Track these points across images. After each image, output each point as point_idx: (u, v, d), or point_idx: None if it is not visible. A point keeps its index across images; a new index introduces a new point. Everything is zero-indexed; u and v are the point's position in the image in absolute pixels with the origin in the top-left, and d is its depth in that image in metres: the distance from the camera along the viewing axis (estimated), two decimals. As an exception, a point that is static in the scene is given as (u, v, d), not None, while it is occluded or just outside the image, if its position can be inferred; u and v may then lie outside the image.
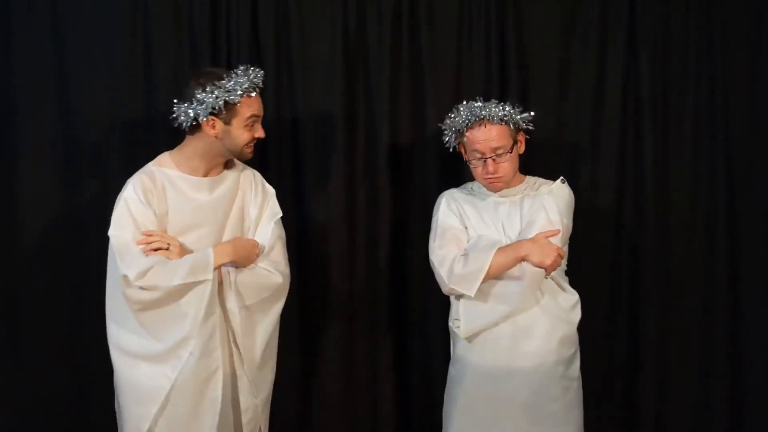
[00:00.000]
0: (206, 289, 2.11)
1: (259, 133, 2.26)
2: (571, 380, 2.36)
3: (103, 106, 2.76)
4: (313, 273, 2.85)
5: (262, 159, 2.79)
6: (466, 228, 2.38)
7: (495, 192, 2.38)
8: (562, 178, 2.41)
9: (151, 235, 2.14)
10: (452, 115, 2.38)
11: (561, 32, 2.87)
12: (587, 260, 2.83)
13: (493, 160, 2.29)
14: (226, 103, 2.15)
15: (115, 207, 2.18)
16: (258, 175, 2.40)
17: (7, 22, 2.74)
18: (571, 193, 2.40)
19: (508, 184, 2.37)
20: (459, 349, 2.41)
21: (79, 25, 2.75)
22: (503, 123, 2.30)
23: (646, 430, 2.93)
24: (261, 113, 2.26)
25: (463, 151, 2.40)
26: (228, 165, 2.35)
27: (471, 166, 2.36)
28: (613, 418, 2.94)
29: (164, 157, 2.28)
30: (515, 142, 2.34)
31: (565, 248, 2.36)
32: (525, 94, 2.84)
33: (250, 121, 2.22)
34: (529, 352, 2.30)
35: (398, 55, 2.84)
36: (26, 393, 2.79)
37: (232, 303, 2.18)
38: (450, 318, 2.40)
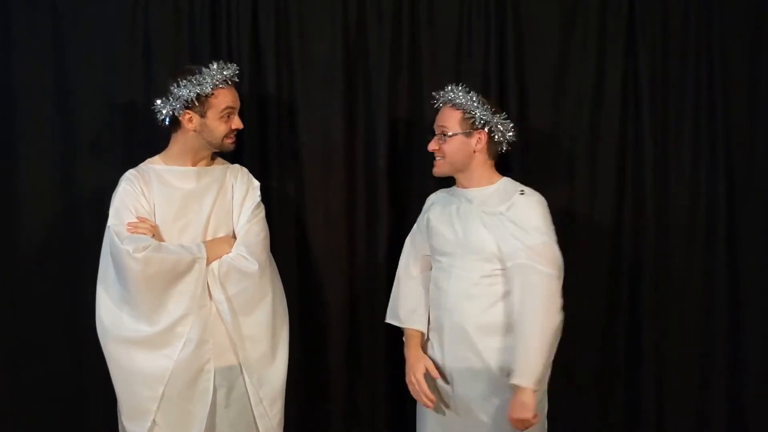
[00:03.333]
0: (202, 267, 2.20)
1: (237, 124, 2.35)
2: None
3: (102, 105, 2.77)
4: (313, 273, 2.86)
5: (261, 158, 2.81)
6: (430, 227, 2.45)
7: (435, 174, 2.43)
8: (521, 190, 2.34)
9: (143, 221, 2.23)
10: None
11: (560, 32, 2.87)
12: (586, 263, 2.83)
13: (438, 138, 2.39)
14: (198, 95, 2.25)
15: (112, 201, 2.28)
16: (245, 169, 2.47)
17: (8, 21, 2.75)
18: (540, 199, 2.31)
19: (444, 174, 2.41)
20: (427, 349, 2.43)
21: (79, 24, 2.76)
22: (456, 108, 2.37)
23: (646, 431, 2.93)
24: (237, 105, 2.35)
25: None
26: (216, 162, 2.43)
27: None
28: (613, 420, 2.93)
29: (153, 158, 2.38)
30: (467, 133, 2.34)
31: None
32: (524, 94, 2.84)
33: (225, 112, 2.30)
34: (482, 353, 2.29)
35: (398, 55, 2.84)
36: (25, 389, 2.81)
37: (217, 292, 2.22)
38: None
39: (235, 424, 2.27)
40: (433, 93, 2.45)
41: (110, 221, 2.24)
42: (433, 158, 2.42)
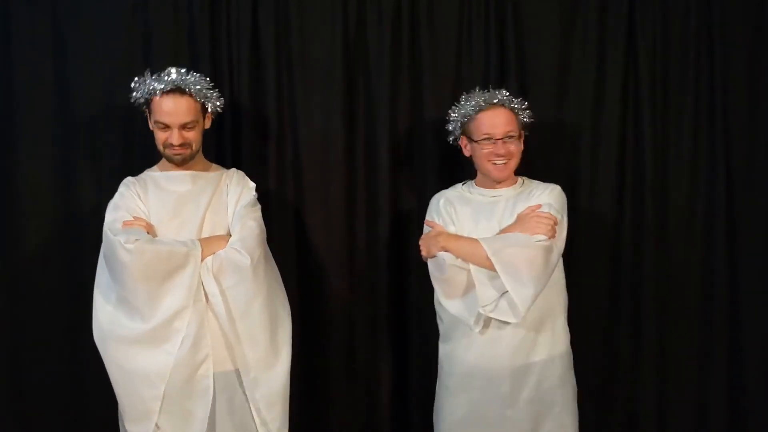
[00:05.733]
0: (197, 261, 2.18)
1: (172, 138, 2.29)
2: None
3: (102, 105, 2.77)
4: (314, 272, 2.86)
5: (262, 158, 2.81)
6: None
7: (498, 179, 2.40)
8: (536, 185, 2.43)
9: (138, 220, 2.25)
10: (463, 101, 2.45)
11: (560, 32, 2.87)
12: (587, 260, 2.84)
13: (504, 142, 2.36)
14: (146, 99, 2.30)
15: (110, 204, 2.32)
16: (240, 172, 2.48)
17: (7, 18, 2.75)
18: (563, 195, 2.39)
19: (509, 176, 2.41)
20: (449, 347, 2.41)
21: (79, 24, 2.76)
22: (512, 111, 2.40)
23: (646, 430, 2.93)
24: (173, 120, 2.28)
25: (464, 143, 2.44)
26: (212, 168, 2.46)
27: (480, 151, 2.37)
28: (613, 419, 2.93)
29: (152, 167, 2.43)
30: (520, 134, 2.41)
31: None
32: (524, 94, 2.83)
33: (159, 124, 2.30)
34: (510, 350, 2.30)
35: (398, 55, 2.84)
36: (25, 390, 2.81)
37: (211, 287, 2.20)
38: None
39: (237, 429, 2.25)
40: (481, 95, 2.43)
41: (106, 220, 2.27)
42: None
